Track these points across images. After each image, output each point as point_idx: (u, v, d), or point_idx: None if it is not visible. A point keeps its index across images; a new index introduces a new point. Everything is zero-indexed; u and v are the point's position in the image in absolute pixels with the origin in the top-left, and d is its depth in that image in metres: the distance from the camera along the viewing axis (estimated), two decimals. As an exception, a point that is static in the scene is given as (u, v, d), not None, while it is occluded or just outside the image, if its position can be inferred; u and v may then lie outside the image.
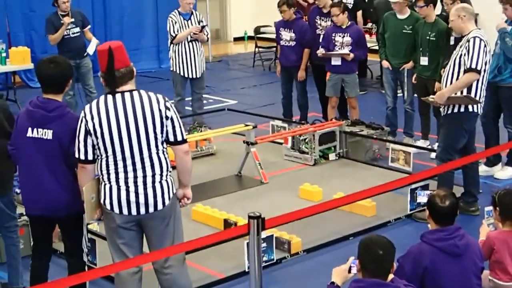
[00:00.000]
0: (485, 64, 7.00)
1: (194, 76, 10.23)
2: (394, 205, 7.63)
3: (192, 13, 10.20)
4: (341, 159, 9.33)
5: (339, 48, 9.80)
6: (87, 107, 4.97)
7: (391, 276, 4.34)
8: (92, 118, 4.88)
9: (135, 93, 4.94)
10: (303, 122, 9.90)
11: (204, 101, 11.27)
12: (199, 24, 10.18)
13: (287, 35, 10.36)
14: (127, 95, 4.91)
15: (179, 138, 5.00)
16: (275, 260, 6.46)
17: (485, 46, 6.96)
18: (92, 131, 4.89)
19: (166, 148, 5.02)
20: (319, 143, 9.14)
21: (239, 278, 6.18)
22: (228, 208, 7.43)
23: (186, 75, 10.18)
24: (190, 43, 10.10)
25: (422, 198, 7.22)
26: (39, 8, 14.18)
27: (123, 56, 4.98)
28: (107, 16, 15.23)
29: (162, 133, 4.94)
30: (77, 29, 10.65)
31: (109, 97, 4.93)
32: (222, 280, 6.19)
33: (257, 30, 16.75)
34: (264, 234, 6.11)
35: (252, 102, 12.70)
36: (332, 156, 9.28)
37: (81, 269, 5.41)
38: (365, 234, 6.50)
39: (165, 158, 5.00)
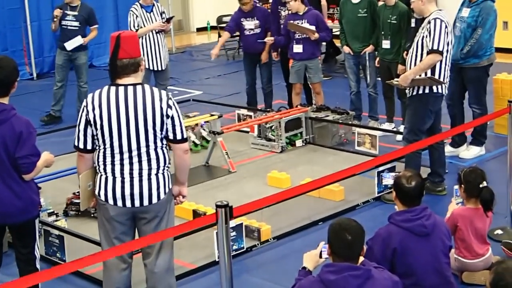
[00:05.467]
0: (448, 45, 7.05)
1: (159, 68, 10.15)
2: (362, 188, 7.67)
3: (153, 5, 10.12)
4: (308, 145, 9.36)
5: (299, 36, 9.80)
6: (89, 96, 4.89)
7: (361, 258, 4.37)
8: (93, 109, 4.83)
9: (139, 88, 4.86)
10: (268, 110, 9.90)
11: (169, 93, 11.21)
12: (161, 16, 10.11)
13: (250, 23, 10.34)
14: (130, 89, 4.84)
15: (179, 137, 4.94)
16: (245, 249, 6.46)
17: (446, 27, 7.00)
18: (92, 122, 4.84)
19: (166, 144, 4.96)
20: (286, 130, 9.16)
21: (210, 268, 6.17)
22: (196, 198, 7.41)
23: (150, 67, 10.10)
24: (155, 35, 10.04)
25: (388, 180, 7.28)
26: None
27: (131, 47, 4.89)
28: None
29: (162, 130, 4.88)
30: (76, 24, 10.85)
31: (112, 89, 4.86)
32: (193, 271, 6.17)
33: (219, 19, 16.71)
34: (233, 222, 6.12)
35: (217, 92, 12.70)
36: (299, 143, 9.31)
37: None
38: (334, 218, 6.51)
39: (163, 154, 4.94)
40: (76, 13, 10.79)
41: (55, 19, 10.78)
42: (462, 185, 5.66)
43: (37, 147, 5.12)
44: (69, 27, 10.81)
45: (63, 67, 10.96)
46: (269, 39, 10.09)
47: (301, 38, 9.80)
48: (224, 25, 16.08)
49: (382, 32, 9.23)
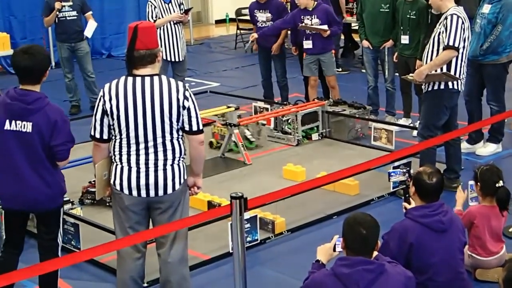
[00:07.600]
0: (464, 41, 7.00)
1: (177, 59, 10.16)
2: (377, 183, 7.65)
3: (172, -5, 10.13)
4: (324, 139, 9.35)
5: (308, 32, 9.76)
6: (106, 86, 4.90)
7: (375, 253, 4.37)
8: (110, 99, 4.84)
9: (156, 79, 4.87)
10: (285, 103, 9.90)
11: (186, 84, 11.22)
12: (179, 7, 10.11)
13: (262, 16, 10.34)
14: (147, 79, 4.85)
15: (195, 128, 4.94)
16: (259, 241, 6.47)
17: (462, 23, 6.95)
18: (108, 112, 4.85)
19: (182, 135, 4.98)
20: (302, 123, 9.15)
21: (224, 259, 6.18)
22: (212, 190, 7.43)
23: (168, 59, 10.11)
24: (173, 26, 10.05)
25: (396, 177, 7.23)
26: (17, -7, 14.16)
27: (148, 38, 4.89)
28: (87, 1, 15.12)
29: (178, 121, 4.89)
30: (74, 13, 10.83)
31: (129, 79, 4.87)
32: (207, 262, 6.19)
33: (238, 12, 16.71)
34: (247, 214, 6.13)
35: (235, 84, 12.71)
36: (315, 136, 9.31)
37: None
38: (348, 212, 6.52)
39: (179, 145, 4.95)
40: (71, 3, 10.76)
41: (56, 13, 10.65)
42: (478, 183, 5.64)
43: (71, 133, 5.16)
44: (67, 18, 10.77)
45: (68, 59, 11.00)
46: (252, 36, 10.18)
47: (310, 34, 9.76)
48: (242, 17, 16.19)
49: (401, 27, 9.20)
